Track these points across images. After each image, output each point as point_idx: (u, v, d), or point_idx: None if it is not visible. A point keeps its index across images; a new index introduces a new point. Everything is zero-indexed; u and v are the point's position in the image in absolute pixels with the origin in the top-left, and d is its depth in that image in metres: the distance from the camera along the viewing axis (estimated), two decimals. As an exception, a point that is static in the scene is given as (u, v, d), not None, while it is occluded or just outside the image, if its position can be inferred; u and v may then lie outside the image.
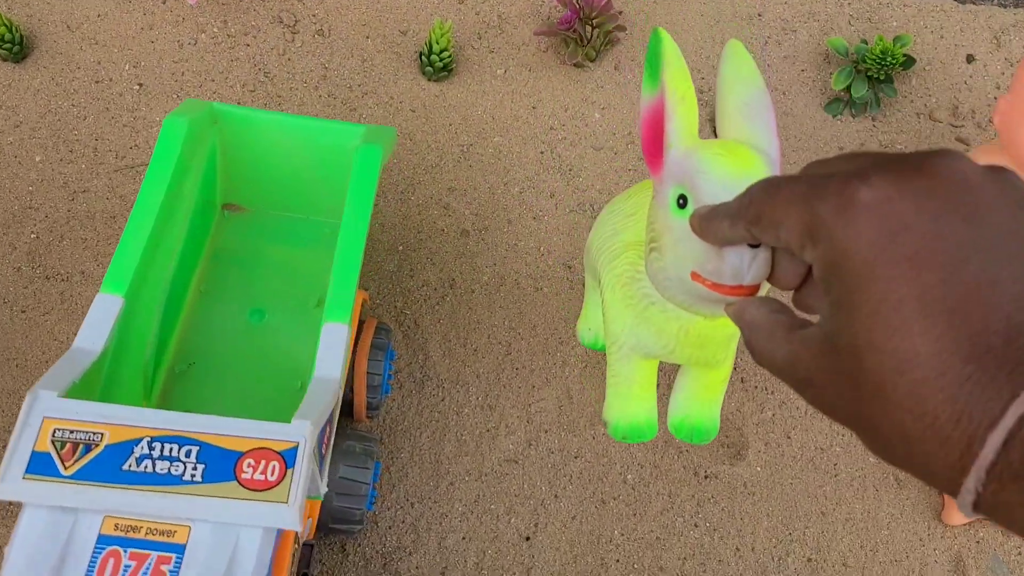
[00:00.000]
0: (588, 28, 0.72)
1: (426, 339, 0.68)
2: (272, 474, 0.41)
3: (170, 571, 0.40)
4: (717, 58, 0.77)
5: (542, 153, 0.74)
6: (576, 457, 0.65)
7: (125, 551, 0.40)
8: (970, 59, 0.79)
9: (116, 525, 0.40)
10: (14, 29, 0.67)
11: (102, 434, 0.41)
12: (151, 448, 0.41)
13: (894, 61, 0.73)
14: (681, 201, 0.39)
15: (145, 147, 0.69)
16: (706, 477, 0.65)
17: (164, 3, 0.72)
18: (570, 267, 0.71)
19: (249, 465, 0.41)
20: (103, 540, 0.40)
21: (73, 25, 0.71)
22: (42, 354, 0.63)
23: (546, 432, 0.65)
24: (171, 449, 0.41)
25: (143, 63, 0.70)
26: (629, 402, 0.55)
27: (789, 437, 0.67)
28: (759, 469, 0.65)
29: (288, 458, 0.42)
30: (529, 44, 0.75)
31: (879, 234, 0.21)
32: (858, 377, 0.21)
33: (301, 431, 0.43)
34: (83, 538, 0.40)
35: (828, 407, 0.23)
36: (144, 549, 0.40)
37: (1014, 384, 0.19)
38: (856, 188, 0.22)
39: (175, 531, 0.41)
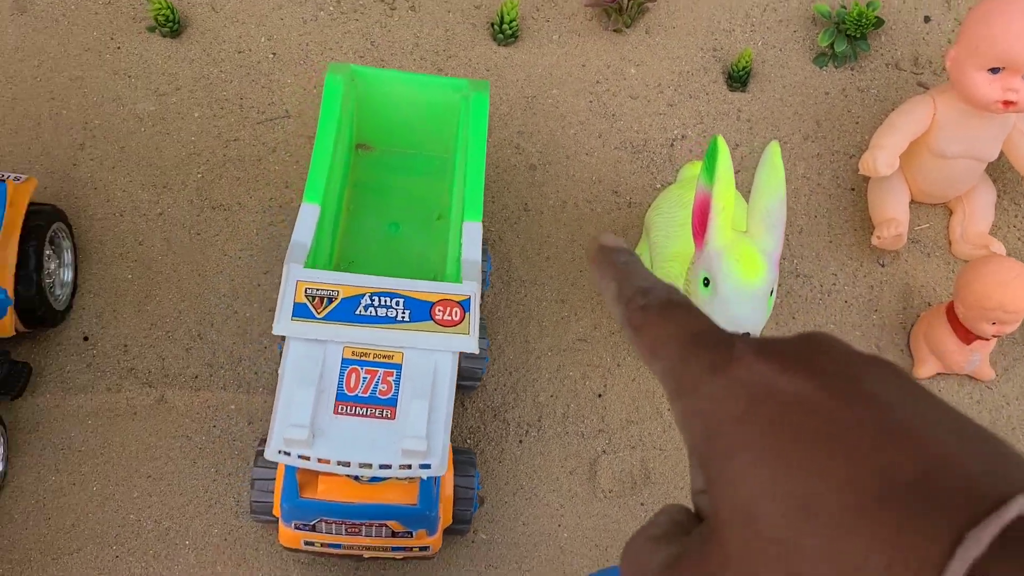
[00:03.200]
0: (625, 0, 0.90)
1: (509, 250, 0.86)
2: (456, 316, 0.60)
3: (394, 381, 0.58)
4: (729, 23, 0.96)
5: (590, 102, 0.92)
6: (631, 337, 0.84)
7: (362, 368, 0.58)
8: (927, 19, 0.98)
9: (353, 352, 0.58)
10: (172, 11, 0.83)
11: (337, 291, 0.59)
12: (372, 300, 0.59)
13: (867, 22, 0.92)
14: (705, 282, 0.63)
15: (280, 103, 0.86)
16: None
17: (279, -13, 0.89)
18: (616, 192, 0.89)
19: (439, 310, 0.60)
20: (346, 362, 0.58)
21: (218, 7, 0.87)
22: (216, 266, 0.80)
23: (608, 318, 0.84)
24: (386, 301, 0.59)
25: (275, 36, 0.87)
26: None
27: (795, 318, 0.86)
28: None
29: (465, 305, 0.60)
30: (578, 14, 0.93)
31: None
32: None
33: (470, 288, 0.61)
34: (332, 361, 0.58)
35: None
36: (374, 367, 0.58)
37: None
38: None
39: (393, 355, 0.59)
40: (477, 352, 0.60)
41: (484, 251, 0.78)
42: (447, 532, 0.68)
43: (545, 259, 0.86)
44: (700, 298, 0.67)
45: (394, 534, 0.62)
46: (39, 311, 0.70)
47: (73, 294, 0.77)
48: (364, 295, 0.59)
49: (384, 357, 0.59)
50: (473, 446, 0.76)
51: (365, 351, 0.59)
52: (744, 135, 0.92)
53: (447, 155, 0.80)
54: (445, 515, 0.65)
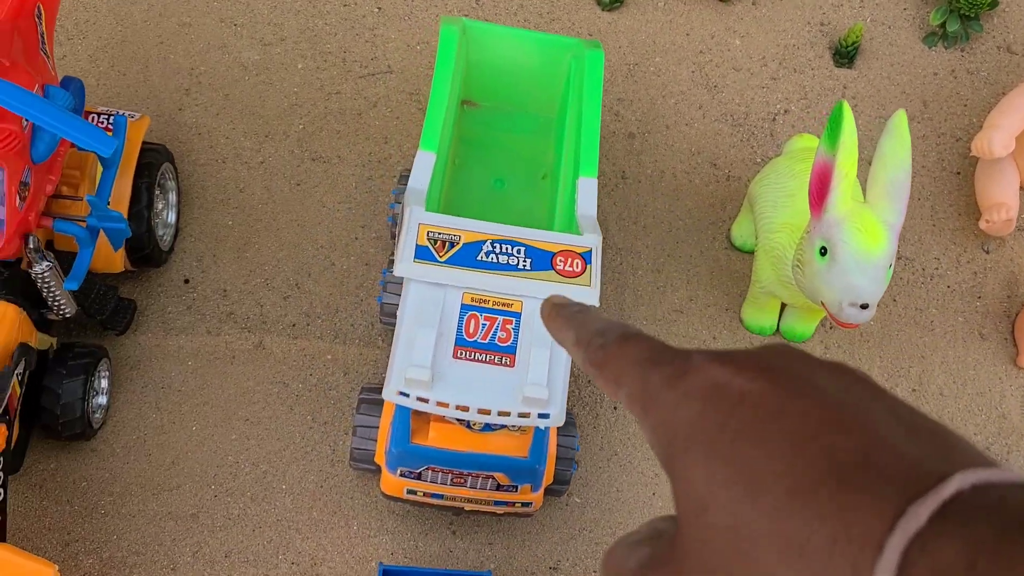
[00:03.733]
0: (734, -31, 0.89)
1: (605, 217, 0.84)
2: (577, 267, 0.59)
3: (513, 329, 0.57)
4: (835, -3, 0.94)
5: (693, 72, 0.90)
6: (727, 310, 0.82)
7: (481, 315, 0.57)
8: (1042, 3, 0.95)
9: (472, 298, 0.58)
10: (281, -40, 0.83)
11: (459, 236, 0.58)
12: (494, 247, 0.58)
13: (983, 2, 0.89)
14: (823, 251, 0.61)
15: (383, 58, 0.86)
16: (831, 328, 0.82)
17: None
18: (715, 165, 0.88)
19: (561, 261, 0.59)
20: (465, 307, 0.57)
21: (325, -42, 0.87)
22: (315, 217, 0.80)
23: (703, 291, 0.82)
24: (507, 248, 0.59)
25: (381, -10, 0.87)
26: (760, 313, 0.81)
27: (895, 300, 0.84)
28: (874, 324, 0.83)
29: (586, 257, 0.59)
30: (684, -18, 0.92)
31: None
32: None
33: (592, 240, 0.60)
34: (451, 305, 0.57)
35: None
36: (493, 314, 0.57)
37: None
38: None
39: (512, 303, 0.58)
40: (598, 305, 0.58)
41: (585, 214, 0.77)
42: (544, 492, 0.67)
43: (642, 228, 0.84)
44: (816, 267, 0.65)
45: (499, 487, 0.61)
46: (147, 249, 0.71)
47: (175, 237, 0.77)
48: (486, 241, 0.59)
49: (503, 305, 0.58)
50: (569, 408, 0.75)
51: (485, 297, 0.58)
52: (848, 112, 0.90)
53: (551, 114, 0.79)
54: (547, 473, 0.64)
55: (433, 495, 0.63)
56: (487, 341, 0.56)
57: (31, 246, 0.58)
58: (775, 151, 0.88)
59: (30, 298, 0.62)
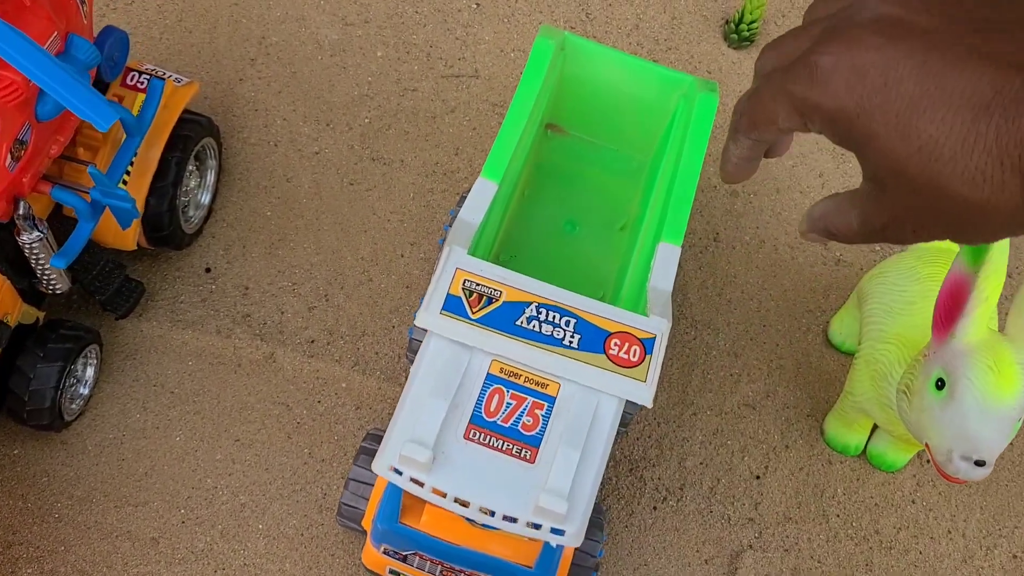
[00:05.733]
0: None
1: (687, 282, 0.73)
2: (634, 356, 0.48)
3: (542, 415, 0.47)
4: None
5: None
6: (808, 416, 0.70)
7: (507, 391, 0.47)
8: None
9: (501, 369, 0.48)
10: (381, -65, 0.75)
11: (501, 292, 0.49)
12: (539, 312, 0.48)
13: None
14: (939, 383, 0.49)
15: (471, 60, 0.76)
16: (927, 462, 0.69)
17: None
18: (825, 244, 0.76)
19: (616, 344, 0.48)
20: (490, 378, 0.47)
21: (429, -59, 0.78)
22: (361, 223, 0.71)
23: (784, 387, 0.71)
24: (554, 316, 0.48)
25: (484, -15, 0.78)
26: (847, 429, 0.68)
27: (1012, 445, 0.70)
28: (979, 465, 0.69)
29: (647, 345, 0.48)
30: (829, 30, 0.80)
31: (850, 81, 0.25)
32: (915, 187, 0.24)
33: (659, 326, 0.49)
34: (475, 372, 0.47)
35: (914, 234, 0.26)
36: (522, 393, 0.47)
37: None
38: (817, 59, 0.26)
39: (548, 384, 0.48)
40: (651, 407, 0.48)
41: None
42: (551, 597, 0.57)
43: (726, 302, 0.73)
44: (928, 401, 0.53)
45: (495, 592, 0.51)
46: (165, 230, 0.63)
47: (205, 219, 0.69)
48: (531, 303, 0.49)
49: (537, 384, 0.48)
50: (599, 500, 0.65)
51: (517, 371, 0.48)
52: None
53: (646, 157, 0.69)
54: (557, 581, 0.54)
55: (418, 582, 0.53)
56: (508, 425, 0.47)
57: (20, 212, 0.51)
58: (899, 241, 0.75)
59: (18, 266, 0.55)
